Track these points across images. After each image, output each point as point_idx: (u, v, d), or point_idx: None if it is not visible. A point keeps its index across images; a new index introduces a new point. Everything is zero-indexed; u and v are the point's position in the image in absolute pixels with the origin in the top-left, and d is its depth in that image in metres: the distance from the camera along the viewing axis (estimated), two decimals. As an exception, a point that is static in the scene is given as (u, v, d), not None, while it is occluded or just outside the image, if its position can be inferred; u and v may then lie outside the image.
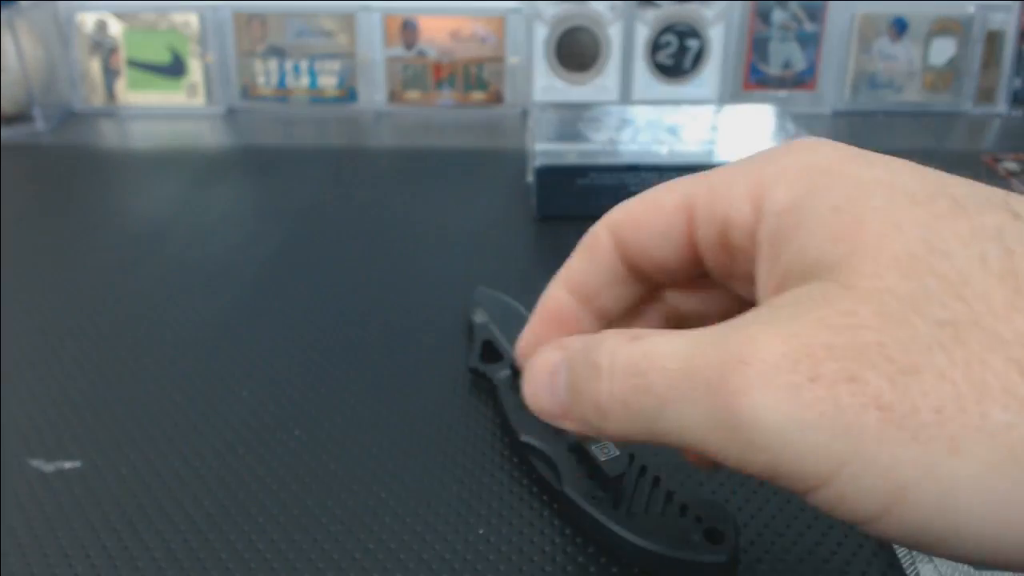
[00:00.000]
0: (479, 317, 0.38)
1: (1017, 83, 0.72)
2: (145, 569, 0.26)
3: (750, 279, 0.18)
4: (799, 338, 0.14)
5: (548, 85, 0.72)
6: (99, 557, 0.27)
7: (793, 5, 0.72)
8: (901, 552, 0.26)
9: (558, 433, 0.29)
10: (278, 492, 0.29)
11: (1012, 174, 0.59)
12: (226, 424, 0.33)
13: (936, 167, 0.19)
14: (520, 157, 0.59)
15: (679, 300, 0.23)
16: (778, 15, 0.72)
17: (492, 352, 0.35)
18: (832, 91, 0.73)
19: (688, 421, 0.16)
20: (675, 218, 0.20)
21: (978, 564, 0.15)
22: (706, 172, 0.20)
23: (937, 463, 0.13)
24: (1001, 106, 0.73)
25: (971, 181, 0.17)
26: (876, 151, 0.18)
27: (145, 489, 0.29)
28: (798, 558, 0.26)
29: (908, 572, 0.25)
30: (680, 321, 0.23)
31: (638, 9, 0.71)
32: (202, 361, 0.37)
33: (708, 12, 0.71)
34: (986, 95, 0.73)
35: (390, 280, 0.44)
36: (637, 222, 0.21)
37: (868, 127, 0.71)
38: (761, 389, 0.14)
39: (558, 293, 0.23)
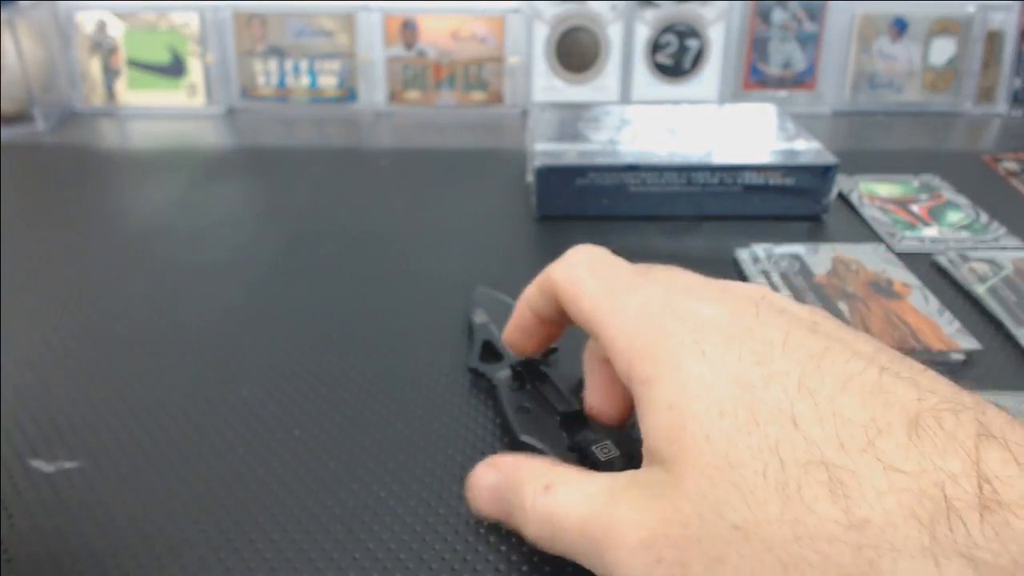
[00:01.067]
0: (479, 317, 0.37)
1: (1017, 83, 0.72)
2: (147, 566, 0.26)
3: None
4: (649, 527, 0.20)
5: (548, 85, 0.72)
6: (101, 556, 0.27)
7: (793, 5, 0.72)
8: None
9: (558, 433, 0.29)
10: (277, 492, 0.29)
11: (1012, 174, 0.59)
12: (226, 423, 0.33)
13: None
14: (520, 157, 0.59)
15: None
16: (778, 15, 0.72)
17: (492, 352, 0.35)
18: (832, 91, 0.73)
19: (592, 566, 0.21)
20: (583, 322, 0.26)
21: None
22: (607, 291, 0.25)
23: None
24: (1001, 106, 0.73)
25: (776, 359, 0.20)
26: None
27: (145, 489, 0.29)
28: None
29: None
30: None
31: (638, 9, 0.71)
32: (202, 361, 0.37)
33: (708, 12, 0.71)
34: (986, 95, 0.73)
35: (389, 280, 0.44)
36: (565, 296, 0.27)
37: (868, 127, 0.71)
38: (627, 564, 0.20)
39: (523, 309, 0.30)
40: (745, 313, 0.22)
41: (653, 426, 0.21)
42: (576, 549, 0.22)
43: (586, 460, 0.28)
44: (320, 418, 0.33)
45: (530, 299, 0.30)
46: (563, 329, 0.31)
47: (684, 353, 0.21)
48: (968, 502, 0.16)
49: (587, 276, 0.26)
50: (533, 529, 0.23)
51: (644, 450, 0.22)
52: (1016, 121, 0.72)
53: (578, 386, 0.31)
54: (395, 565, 0.26)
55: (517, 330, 0.31)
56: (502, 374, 0.33)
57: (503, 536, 0.27)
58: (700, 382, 0.20)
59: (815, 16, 0.72)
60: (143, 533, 0.28)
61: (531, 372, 0.33)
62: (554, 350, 0.34)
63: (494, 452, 0.31)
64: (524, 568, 0.26)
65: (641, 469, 0.22)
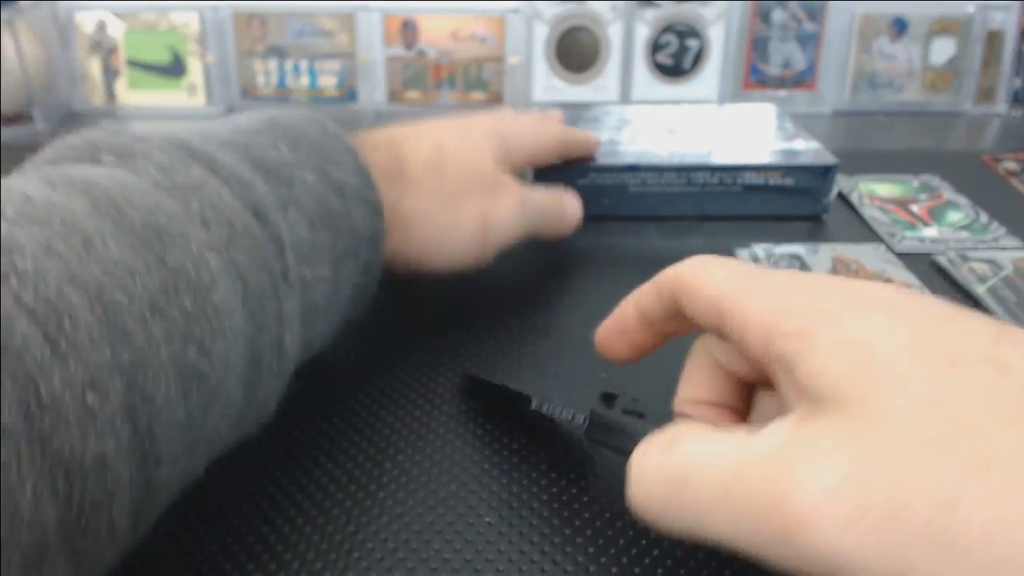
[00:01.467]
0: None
1: (1017, 83, 0.72)
2: (138, 571, 0.26)
3: (760, 370, 0.22)
4: (843, 470, 0.16)
5: (548, 85, 0.72)
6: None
7: (793, 5, 0.72)
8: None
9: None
10: (274, 494, 0.29)
11: (1012, 174, 0.59)
12: (226, 424, 0.33)
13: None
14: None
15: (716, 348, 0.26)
16: (778, 15, 0.72)
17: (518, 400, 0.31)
18: (832, 91, 0.73)
19: (737, 528, 0.18)
20: (712, 311, 0.23)
21: None
22: (746, 274, 0.23)
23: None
24: (1001, 106, 0.73)
25: (959, 322, 0.19)
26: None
27: (145, 489, 0.29)
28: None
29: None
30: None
31: (638, 9, 0.71)
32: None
33: (708, 12, 0.71)
34: (986, 95, 0.73)
35: (386, 280, 0.44)
36: (690, 287, 0.24)
37: (868, 127, 0.71)
38: (819, 519, 0.16)
39: (628, 307, 0.28)
40: (911, 296, 0.20)
41: (823, 367, 0.18)
42: (721, 517, 0.18)
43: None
44: (318, 418, 0.33)
45: (640, 297, 0.27)
46: (666, 337, 0.28)
47: (847, 310, 0.19)
48: None
49: (715, 266, 0.24)
50: (648, 488, 0.20)
51: (800, 399, 0.19)
52: (1016, 121, 0.72)
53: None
54: (394, 564, 0.26)
55: (615, 331, 0.28)
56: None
57: (502, 536, 0.27)
58: (879, 325, 0.18)
59: (815, 16, 0.72)
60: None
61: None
62: None
63: (494, 452, 0.31)
64: (523, 568, 0.26)
65: (799, 419, 0.18)
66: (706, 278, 0.24)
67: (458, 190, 0.37)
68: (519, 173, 0.43)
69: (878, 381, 0.17)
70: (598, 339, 0.29)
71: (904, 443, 0.16)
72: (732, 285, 0.23)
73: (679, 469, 0.20)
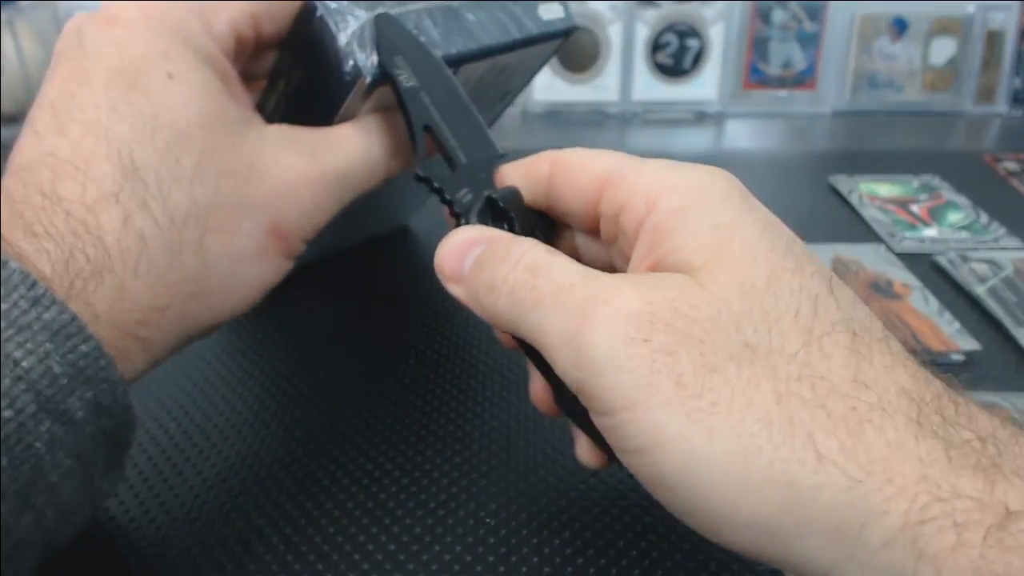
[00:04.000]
0: (404, 75, 0.26)
1: (1017, 83, 0.72)
2: (134, 568, 0.26)
3: (624, 257, 0.23)
4: (651, 306, 0.19)
5: (548, 85, 0.72)
6: (101, 554, 0.27)
7: (793, 5, 0.72)
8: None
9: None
10: (276, 495, 0.29)
11: (1012, 174, 0.59)
12: (227, 422, 0.33)
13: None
14: (521, 157, 0.59)
15: (582, 242, 0.26)
16: (778, 15, 0.72)
17: (440, 146, 0.26)
18: (832, 91, 0.73)
19: (549, 325, 0.20)
20: (592, 183, 0.23)
21: (715, 540, 0.18)
22: (631, 158, 0.23)
23: (693, 437, 0.18)
24: (1001, 106, 0.73)
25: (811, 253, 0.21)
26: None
27: (143, 489, 0.29)
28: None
29: None
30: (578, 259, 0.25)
31: (638, 9, 0.71)
32: (200, 358, 0.37)
33: (708, 12, 0.71)
34: (986, 95, 0.73)
35: (385, 280, 0.44)
36: (568, 171, 0.24)
37: (868, 127, 0.71)
38: (605, 327, 0.19)
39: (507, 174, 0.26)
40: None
41: (689, 239, 0.20)
42: (543, 312, 0.20)
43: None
44: (318, 418, 0.33)
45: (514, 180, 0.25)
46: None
47: (732, 195, 0.21)
48: (949, 396, 0.18)
49: (597, 150, 0.24)
50: (510, 276, 0.21)
51: (663, 264, 0.20)
52: (1016, 121, 0.72)
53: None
54: (394, 566, 0.26)
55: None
56: (462, 194, 0.25)
57: (502, 537, 0.27)
58: (752, 216, 0.20)
59: (815, 16, 0.72)
60: (138, 535, 0.28)
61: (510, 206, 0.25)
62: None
63: (491, 454, 0.31)
64: (523, 569, 0.26)
65: (641, 272, 0.21)
66: (592, 156, 0.24)
67: (202, 207, 0.23)
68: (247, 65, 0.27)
69: (725, 259, 0.19)
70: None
71: (711, 308, 0.19)
72: (620, 161, 0.23)
73: (545, 265, 0.21)
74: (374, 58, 0.25)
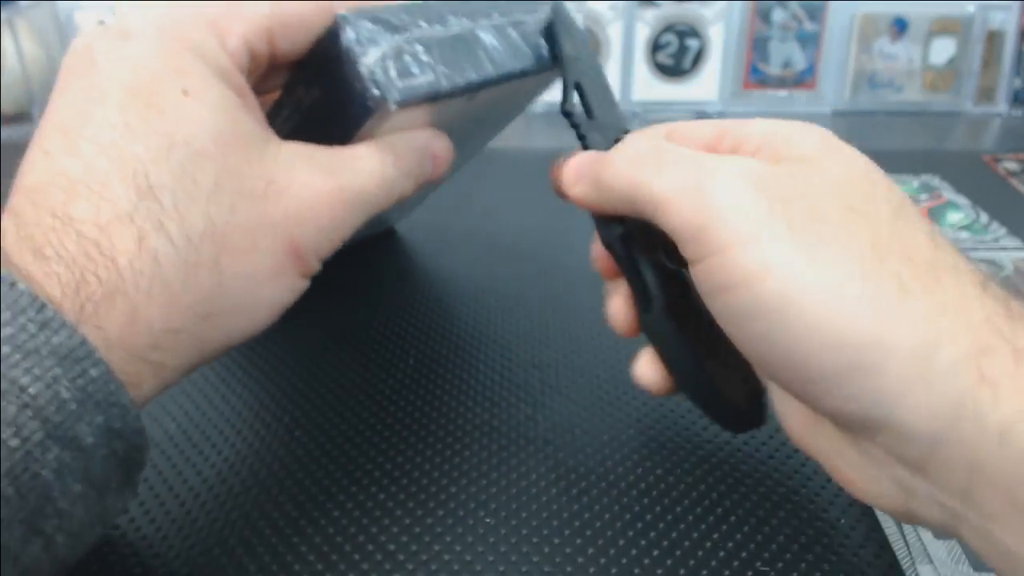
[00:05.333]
0: (568, 46, 0.30)
1: (1017, 83, 0.72)
2: (134, 568, 0.26)
3: None
4: (772, 172, 0.22)
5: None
6: (100, 554, 0.27)
7: (793, 5, 0.72)
8: (901, 554, 0.26)
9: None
10: (276, 495, 0.29)
11: (1012, 174, 0.59)
12: (226, 423, 0.33)
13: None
14: (520, 157, 0.59)
15: None
16: (778, 15, 0.72)
17: (584, 101, 0.30)
18: (832, 91, 0.73)
19: (670, 183, 0.22)
20: (712, 132, 0.26)
21: (796, 374, 0.21)
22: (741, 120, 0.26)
23: (798, 265, 0.20)
24: (1001, 106, 0.73)
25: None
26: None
27: (143, 489, 0.29)
28: (798, 559, 0.26)
29: (908, 573, 0.25)
30: None
31: (638, 9, 0.71)
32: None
33: (708, 12, 0.71)
34: (986, 95, 0.73)
35: (381, 280, 0.44)
36: (684, 131, 0.27)
37: (868, 127, 0.70)
38: (729, 178, 0.21)
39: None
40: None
41: (801, 141, 0.23)
42: (669, 174, 0.23)
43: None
44: (319, 418, 0.33)
45: (577, 198, 0.27)
46: None
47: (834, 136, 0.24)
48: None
49: (663, 163, 0.25)
50: (624, 170, 0.24)
51: (777, 160, 0.23)
52: (1016, 121, 0.72)
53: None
54: (394, 566, 0.26)
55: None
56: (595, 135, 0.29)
57: (502, 537, 0.27)
58: (851, 148, 0.24)
59: (815, 16, 0.72)
60: (138, 537, 0.28)
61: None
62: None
63: (490, 454, 0.31)
64: (523, 569, 0.26)
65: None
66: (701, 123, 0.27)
67: (218, 226, 0.23)
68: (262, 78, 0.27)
69: (834, 149, 0.23)
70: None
71: (821, 179, 0.22)
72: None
73: (675, 134, 0.26)
74: (398, 83, 0.25)
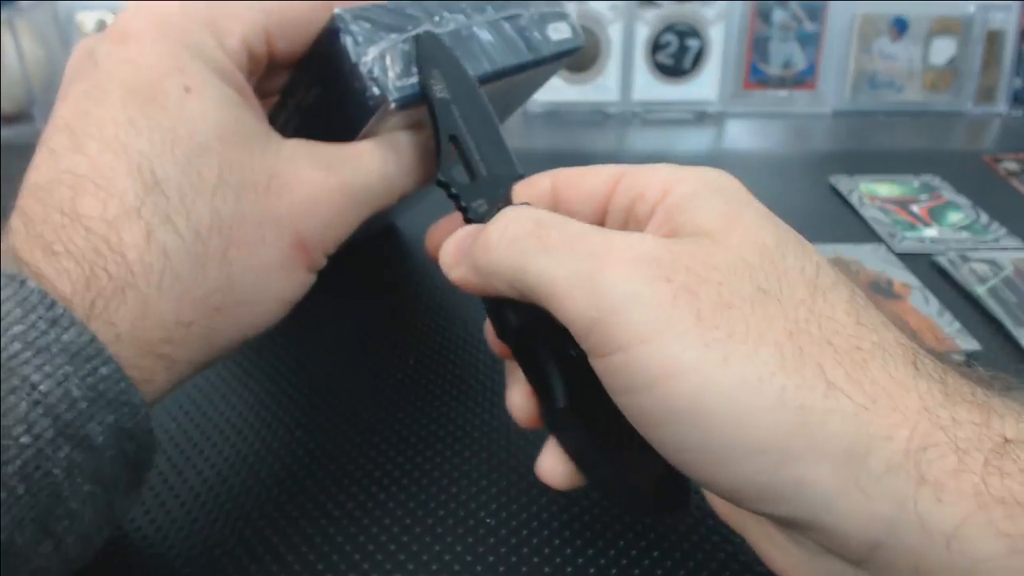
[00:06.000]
0: (438, 87, 0.27)
1: (1017, 83, 0.72)
2: (134, 569, 0.26)
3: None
4: (671, 253, 0.20)
5: (548, 85, 0.72)
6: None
7: (793, 5, 0.72)
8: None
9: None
10: (276, 495, 0.29)
11: (1012, 174, 0.59)
12: (227, 422, 0.33)
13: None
14: (521, 157, 0.59)
15: None
16: (778, 15, 0.72)
17: (463, 156, 0.26)
18: (832, 91, 0.73)
19: (559, 270, 0.20)
20: (603, 184, 0.24)
21: (718, 478, 0.19)
22: (637, 165, 0.24)
23: (709, 365, 0.18)
24: (1001, 106, 0.73)
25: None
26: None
27: (146, 490, 0.29)
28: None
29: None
30: None
31: (638, 9, 0.71)
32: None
33: (708, 12, 0.71)
34: (986, 95, 0.73)
35: (380, 278, 0.44)
36: (574, 181, 0.24)
37: (868, 127, 0.71)
38: (626, 267, 0.19)
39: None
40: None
41: (703, 211, 0.21)
42: (552, 259, 0.20)
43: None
44: (321, 420, 0.33)
45: (459, 280, 0.24)
46: None
47: (740, 188, 0.22)
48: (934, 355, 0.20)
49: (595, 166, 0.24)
50: (510, 227, 0.22)
51: (678, 233, 0.21)
52: (1016, 121, 0.72)
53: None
54: (394, 566, 0.26)
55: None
56: (477, 204, 0.26)
57: (502, 538, 0.27)
58: (757, 204, 0.22)
59: (815, 16, 0.72)
60: (141, 536, 0.28)
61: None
62: None
63: (490, 453, 0.31)
64: (523, 569, 0.26)
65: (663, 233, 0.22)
66: (597, 167, 0.24)
67: (225, 219, 0.23)
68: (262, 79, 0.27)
69: (737, 224, 0.21)
70: (431, 242, 0.28)
71: (727, 257, 0.20)
72: (629, 166, 0.24)
73: (553, 217, 0.22)
74: (398, 83, 0.25)
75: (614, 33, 0.72)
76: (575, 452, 0.24)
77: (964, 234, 0.49)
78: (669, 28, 0.71)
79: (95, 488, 0.20)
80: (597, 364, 0.20)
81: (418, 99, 0.26)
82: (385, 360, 0.37)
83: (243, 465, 0.31)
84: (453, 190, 0.26)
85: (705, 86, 0.73)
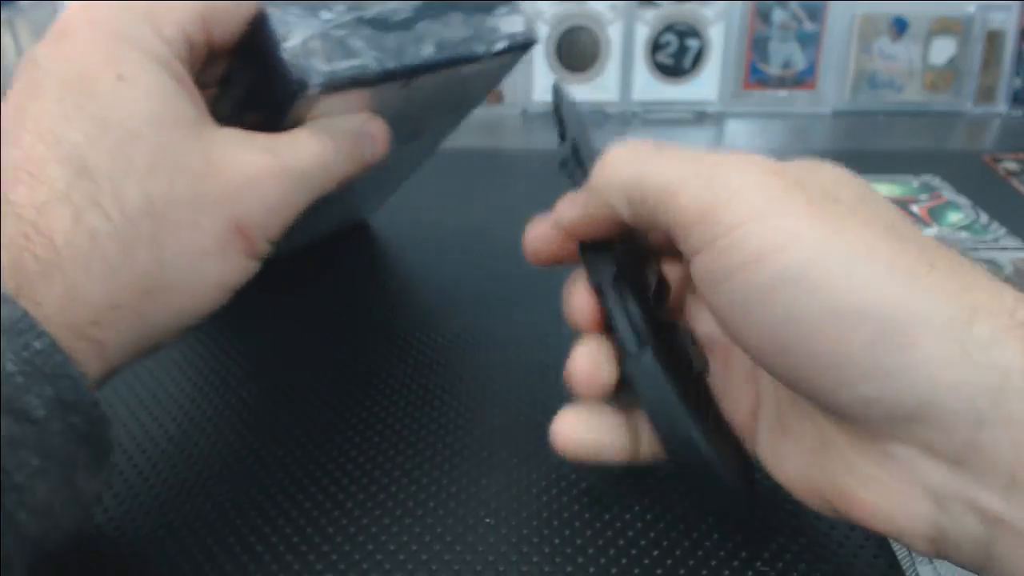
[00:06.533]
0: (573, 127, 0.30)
1: (1017, 83, 0.72)
2: (147, 566, 0.26)
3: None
4: (782, 165, 0.22)
5: (548, 85, 0.72)
6: (102, 555, 0.27)
7: (793, 5, 0.72)
8: (901, 554, 0.26)
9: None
10: (275, 494, 0.29)
11: (1012, 174, 0.59)
12: (226, 422, 0.33)
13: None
14: (521, 157, 0.59)
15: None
16: (778, 15, 0.72)
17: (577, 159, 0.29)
18: (832, 91, 0.73)
19: (676, 170, 0.22)
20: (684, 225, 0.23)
21: (817, 353, 0.19)
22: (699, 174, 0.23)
23: (821, 236, 0.19)
24: (1001, 106, 0.73)
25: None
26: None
27: (151, 491, 0.29)
28: (798, 560, 0.26)
29: (908, 573, 0.25)
30: None
31: (638, 9, 0.71)
32: (205, 356, 0.37)
33: (708, 12, 0.71)
34: (986, 95, 0.73)
35: (382, 284, 0.44)
36: (668, 197, 0.24)
37: (868, 127, 0.71)
38: (741, 163, 0.21)
39: (553, 231, 0.27)
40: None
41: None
42: (672, 168, 0.22)
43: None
44: (313, 414, 0.33)
45: (569, 222, 0.26)
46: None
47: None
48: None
49: (663, 158, 0.24)
50: (625, 161, 0.24)
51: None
52: (1016, 121, 0.72)
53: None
54: (394, 566, 0.26)
55: (542, 240, 0.28)
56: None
57: (502, 537, 0.27)
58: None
59: (815, 16, 0.72)
60: (148, 534, 0.28)
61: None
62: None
63: (492, 451, 0.31)
64: (523, 569, 0.26)
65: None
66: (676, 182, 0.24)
67: (157, 203, 0.23)
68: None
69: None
70: (527, 246, 0.29)
71: (824, 176, 0.22)
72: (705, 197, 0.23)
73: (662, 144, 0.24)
74: (322, 67, 0.26)
75: (614, 33, 0.72)
76: (657, 407, 0.25)
77: (964, 234, 0.49)
78: (669, 28, 0.71)
79: (45, 463, 0.20)
80: (704, 256, 0.21)
81: (344, 84, 0.26)
82: (386, 360, 0.37)
83: (242, 466, 0.31)
84: (570, 171, 0.28)
85: (705, 86, 0.73)
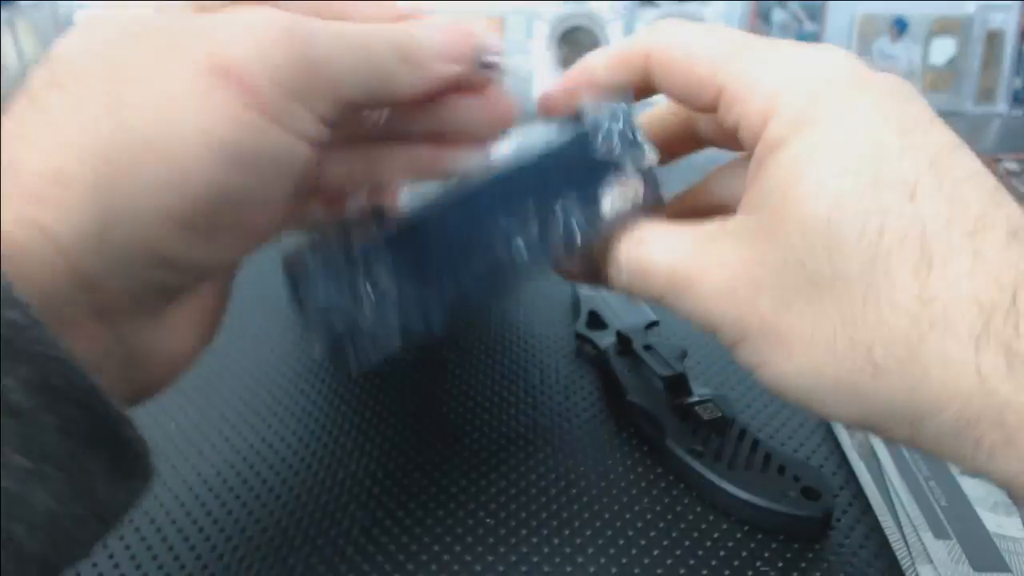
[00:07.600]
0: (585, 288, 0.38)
1: (1017, 83, 0.72)
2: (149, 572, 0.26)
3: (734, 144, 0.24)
4: (732, 272, 0.21)
5: (548, 85, 0.72)
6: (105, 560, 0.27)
7: (793, 5, 0.72)
8: (901, 554, 0.26)
9: (661, 394, 0.32)
10: (276, 494, 0.29)
11: (1012, 174, 0.59)
12: (225, 422, 0.33)
13: None
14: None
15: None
16: (778, 15, 0.72)
17: (597, 321, 0.37)
18: (832, 91, 0.73)
19: (672, 307, 0.23)
20: (704, 88, 0.23)
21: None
22: (745, 46, 0.23)
23: (777, 361, 0.21)
24: (1001, 106, 0.73)
25: (917, 137, 0.23)
26: None
27: (160, 492, 0.29)
28: (798, 559, 0.26)
29: (908, 573, 0.25)
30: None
31: (638, 9, 0.71)
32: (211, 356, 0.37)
33: (708, 12, 0.71)
34: (986, 95, 0.73)
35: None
36: (672, 68, 0.24)
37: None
38: (705, 306, 0.22)
39: (582, 77, 0.27)
40: (902, 90, 0.24)
41: (770, 178, 0.21)
42: (663, 294, 0.23)
43: (688, 419, 0.30)
44: (313, 414, 0.33)
45: (599, 70, 0.26)
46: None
47: (833, 109, 0.21)
48: None
49: (702, 36, 0.23)
50: (625, 279, 0.25)
51: (743, 203, 0.22)
52: (1016, 121, 0.72)
53: (681, 355, 0.33)
54: (394, 567, 0.26)
55: (563, 94, 0.28)
56: (607, 340, 0.35)
57: (502, 537, 0.27)
58: (836, 141, 0.20)
59: (815, 16, 0.72)
60: (157, 541, 0.28)
61: (636, 338, 0.35)
62: (656, 323, 0.36)
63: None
64: (523, 569, 0.26)
65: (733, 217, 0.22)
66: (696, 48, 0.23)
67: (121, 62, 0.20)
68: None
69: (792, 198, 0.20)
70: (541, 100, 0.28)
71: (778, 253, 0.20)
72: (728, 64, 0.22)
73: (646, 264, 0.24)
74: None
75: (614, 33, 0.72)
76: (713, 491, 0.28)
77: (964, 234, 0.49)
78: (669, 28, 0.71)
79: (40, 466, 0.16)
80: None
81: None
82: (385, 360, 0.37)
83: (242, 465, 0.31)
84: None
85: (705, 86, 0.73)
